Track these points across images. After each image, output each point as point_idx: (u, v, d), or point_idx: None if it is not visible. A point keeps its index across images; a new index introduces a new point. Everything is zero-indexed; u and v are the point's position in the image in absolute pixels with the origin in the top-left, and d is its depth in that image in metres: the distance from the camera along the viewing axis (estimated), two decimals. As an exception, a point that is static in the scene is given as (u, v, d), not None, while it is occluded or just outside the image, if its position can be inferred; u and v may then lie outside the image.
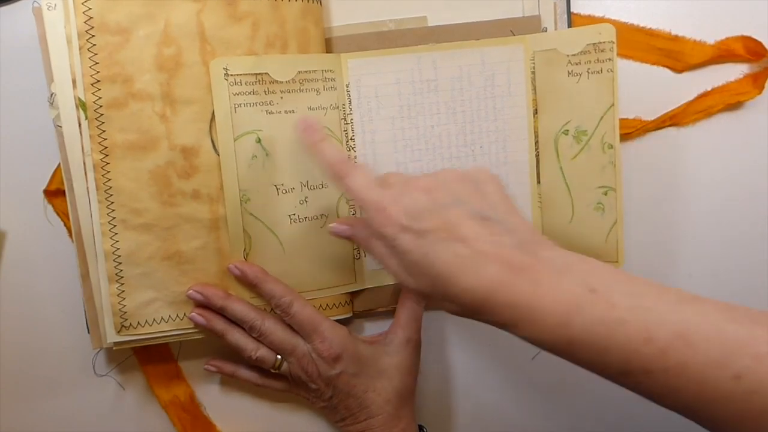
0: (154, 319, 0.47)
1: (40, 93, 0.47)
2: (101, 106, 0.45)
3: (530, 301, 0.33)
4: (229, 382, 0.53)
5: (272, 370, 0.48)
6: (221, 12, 0.45)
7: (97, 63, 0.44)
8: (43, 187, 0.50)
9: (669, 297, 0.33)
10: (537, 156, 0.51)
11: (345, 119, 0.50)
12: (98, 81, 0.45)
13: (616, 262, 0.49)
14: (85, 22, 0.44)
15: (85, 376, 0.52)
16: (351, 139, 0.50)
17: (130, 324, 0.47)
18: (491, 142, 0.51)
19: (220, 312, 0.47)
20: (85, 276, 0.47)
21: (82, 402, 0.52)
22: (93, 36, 0.44)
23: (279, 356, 0.48)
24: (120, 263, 0.46)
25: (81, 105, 0.45)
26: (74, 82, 0.45)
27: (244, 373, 0.50)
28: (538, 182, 0.51)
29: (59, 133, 0.46)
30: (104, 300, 0.46)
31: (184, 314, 0.47)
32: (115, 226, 0.46)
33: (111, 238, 0.46)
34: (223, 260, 0.47)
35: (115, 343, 0.47)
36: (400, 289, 0.51)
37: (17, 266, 0.51)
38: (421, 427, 0.51)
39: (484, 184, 0.39)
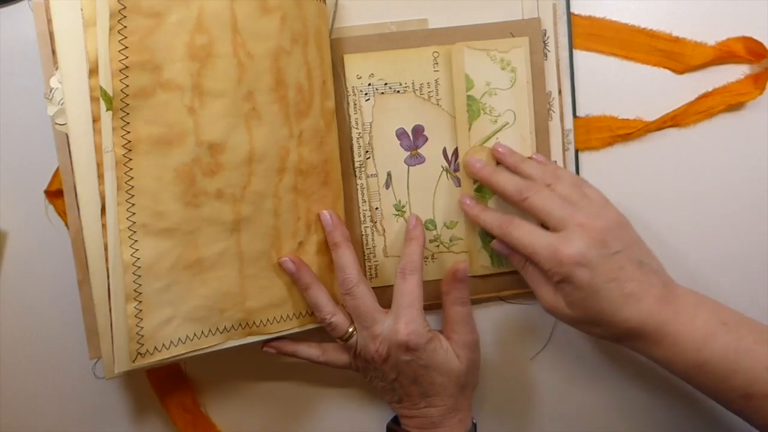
0: (171, 341, 0.43)
1: (40, 92, 0.47)
2: (127, 95, 0.40)
3: (674, 328, 0.42)
4: (229, 382, 0.53)
5: (339, 340, 0.48)
6: (254, 2, 0.43)
7: (126, 47, 0.40)
8: (44, 187, 0.50)
9: None
10: (538, 157, 0.51)
11: (349, 119, 0.50)
12: (127, 67, 0.40)
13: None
14: (118, 1, 0.40)
15: (85, 376, 0.52)
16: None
17: (147, 350, 0.42)
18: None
19: (333, 248, 0.47)
20: (82, 282, 0.46)
21: (81, 401, 0.52)
22: (125, 17, 0.40)
23: (351, 328, 0.47)
24: (139, 276, 0.41)
25: (103, 95, 0.40)
26: (93, 70, 0.41)
27: (305, 351, 0.49)
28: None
29: (57, 132, 0.45)
30: (118, 323, 0.42)
31: (201, 332, 0.44)
32: (135, 232, 0.41)
33: (131, 246, 0.41)
34: (243, 266, 0.45)
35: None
36: (441, 294, 0.50)
37: (18, 267, 0.51)
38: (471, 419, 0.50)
39: (630, 230, 0.45)
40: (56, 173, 0.50)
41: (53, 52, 0.45)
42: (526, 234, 0.44)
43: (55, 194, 0.50)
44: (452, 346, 0.48)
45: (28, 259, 0.51)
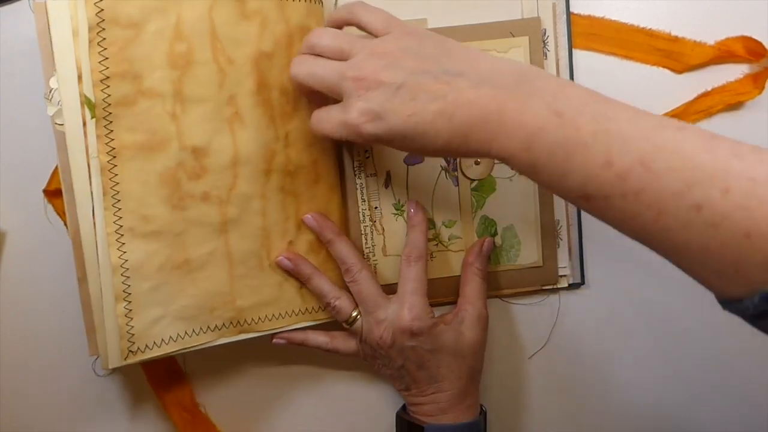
0: (162, 340, 0.44)
1: (40, 92, 0.47)
2: (109, 104, 0.42)
3: (501, 127, 0.35)
4: (229, 382, 0.53)
5: (344, 325, 0.48)
6: (231, 9, 0.44)
7: (106, 58, 0.42)
8: (43, 186, 0.50)
9: (645, 123, 0.33)
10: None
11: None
12: (107, 77, 0.42)
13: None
14: (96, 14, 0.41)
15: (85, 376, 0.52)
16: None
17: (138, 348, 0.44)
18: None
19: (327, 245, 0.48)
20: (82, 280, 0.46)
21: (81, 401, 0.52)
22: (103, 29, 0.41)
23: (355, 313, 0.47)
24: (128, 277, 0.43)
25: (87, 103, 0.42)
26: (80, 77, 0.42)
27: (314, 339, 0.50)
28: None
29: (57, 131, 0.45)
30: (109, 322, 0.43)
31: (192, 330, 0.45)
32: (122, 235, 0.43)
33: (118, 249, 0.43)
34: (233, 266, 0.46)
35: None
36: (463, 265, 0.51)
37: (17, 266, 0.51)
38: (481, 407, 0.50)
39: (425, 43, 0.39)
40: (55, 172, 0.50)
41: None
42: (319, 118, 0.42)
43: (53, 193, 0.50)
44: (466, 319, 0.48)
45: (27, 259, 0.51)
